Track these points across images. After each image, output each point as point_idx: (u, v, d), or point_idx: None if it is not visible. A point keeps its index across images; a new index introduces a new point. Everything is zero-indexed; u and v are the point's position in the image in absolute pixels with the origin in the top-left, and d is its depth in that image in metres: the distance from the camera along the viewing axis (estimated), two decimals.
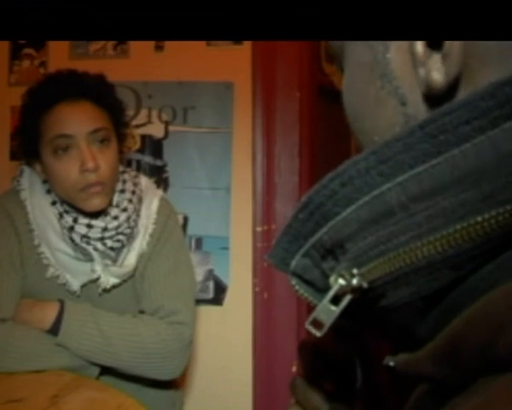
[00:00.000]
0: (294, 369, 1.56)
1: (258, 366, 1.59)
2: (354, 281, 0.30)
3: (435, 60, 0.30)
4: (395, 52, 0.32)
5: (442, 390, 0.28)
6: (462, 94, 0.30)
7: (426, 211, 0.28)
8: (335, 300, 0.31)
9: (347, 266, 0.30)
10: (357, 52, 0.35)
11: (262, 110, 1.57)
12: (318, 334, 0.32)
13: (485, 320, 0.26)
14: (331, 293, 0.31)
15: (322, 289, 0.32)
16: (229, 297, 1.60)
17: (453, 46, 0.29)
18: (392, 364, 0.31)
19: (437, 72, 0.30)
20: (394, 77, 0.33)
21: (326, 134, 1.79)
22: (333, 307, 0.31)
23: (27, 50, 1.63)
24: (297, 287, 0.34)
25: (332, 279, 0.31)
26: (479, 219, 0.26)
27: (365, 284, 0.30)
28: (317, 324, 0.32)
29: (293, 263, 0.34)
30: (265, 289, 1.58)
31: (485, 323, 0.26)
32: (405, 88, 0.32)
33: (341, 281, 0.30)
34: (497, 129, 0.26)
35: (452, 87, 0.30)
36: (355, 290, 0.30)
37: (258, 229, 1.58)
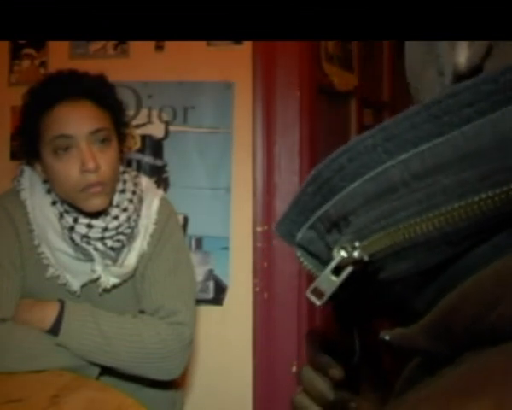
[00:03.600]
0: (294, 369, 1.56)
1: (259, 366, 1.59)
2: (355, 253, 0.31)
3: (463, 45, 0.31)
4: None
5: (434, 363, 0.29)
6: None
7: (426, 189, 0.29)
8: (337, 271, 0.32)
9: (350, 239, 0.31)
10: None
11: (262, 110, 1.57)
12: (318, 303, 0.33)
13: (477, 296, 0.27)
14: (333, 264, 0.32)
15: (326, 262, 0.33)
16: (229, 297, 1.60)
17: None
18: (387, 338, 0.31)
19: (462, 57, 0.31)
20: (438, 45, 0.34)
21: (326, 134, 1.79)
22: (334, 278, 0.32)
23: (27, 50, 1.63)
24: (302, 259, 0.35)
25: (335, 251, 0.32)
26: (476, 198, 0.27)
27: (366, 257, 0.31)
28: (317, 293, 0.33)
29: (299, 235, 0.35)
30: (265, 289, 1.58)
31: (477, 298, 0.27)
32: (444, 59, 0.33)
33: (343, 253, 0.31)
34: (497, 112, 0.27)
35: (475, 72, 0.31)
36: (356, 263, 0.31)
37: (259, 229, 1.58)
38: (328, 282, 0.32)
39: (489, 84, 0.27)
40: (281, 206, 1.58)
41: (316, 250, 0.34)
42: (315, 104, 1.64)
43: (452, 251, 0.29)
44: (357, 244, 0.31)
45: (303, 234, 0.34)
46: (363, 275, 0.32)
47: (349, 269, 0.31)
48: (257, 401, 1.59)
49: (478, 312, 0.26)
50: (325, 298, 0.32)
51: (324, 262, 0.34)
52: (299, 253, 0.35)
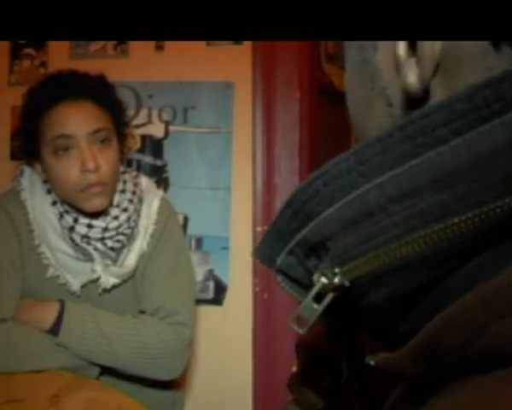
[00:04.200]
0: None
1: (259, 366, 1.59)
2: (336, 279, 0.30)
3: (411, 63, 0.31)
4: (383, 53, 0.33)
5: (421, 389, 0.29)
6: (440, 96, 0.31)
7: (404, 212, 0.28)
8: (319, 298, 0.31)
9: (329, 265, 0.31)
10: (352, 52, 0.36)
11: (262, 110, 1.57)
12: (301, 331, 0.32)
13: (461, 322, 0.26)
14: (314, 291, 0.31)
15: (307, 287, 0.33)
16: (229, 297, 1.60)
17: (425, 50, 0.30)
18: (372, 363, 0.31)
19: (412, 75, 0.30)
20: (382, 78, 0.33)
21: (326, 134, 1.79)
22: (315, 305, 0.31)
23: (27, 50, 1.63)
24: (283, 284, 0.35)
25: (315, 277, 0.31)
26: (455, 220, 0.26)
27: (347, 283, 0.30)
28: (300, 321, 0.32)
29: (279, 260, 0.34)
30: (265, 289, 1.58)
31: (461, 324, 0.26)
32: (392, 89, 0.33)
33: (324, 279, 0.31)
34: (473, 132, 0.26)
35: (428, 91, 0.31)
36: (337, 289, 0.30)
37: (259, 229, 1.58)
38: (310, 310, 0.31)
39: (463, 102, 0.27)
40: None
41: (296, 275, 0.34)
42: (315, 104, 1.64)
43: (434, 274, 0.29)
44: (337, 270, 0.30)
45: (282, 259, 0.34)
46: (345, 301, 0.31)
47: (330, 296, 0.31)
48: (257, 401, 1.59)
49: (465, 337, 0.26)
50: (307, 326, 0.32)
51: (305, 287, 0.33)
52: (279, 278, 0.34)
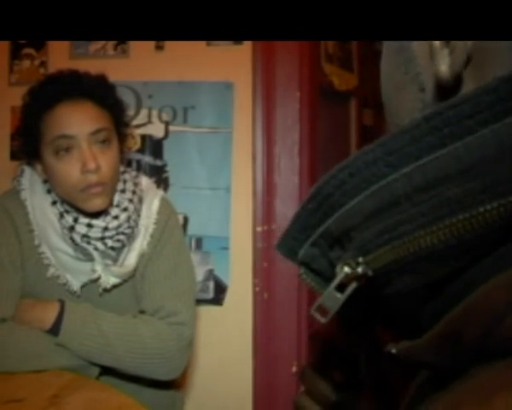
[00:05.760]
0: (294, 369, 1.56)
1: (259, 366, 1.59)
2: (359, 269, 0.30)
3: (444, 54, 0.31)
4: (419, 42, 0.34)
5: (442, 377, 0.29)
6: (470, 87, 0.31)
7: (430, 201, 0.28)
8: (341, 288, 0.31)
9: (353, 255, 0.31)
10: None
11: (262, 110, 1.57)
12: (323, 320, 0.32)
13: (485, 308, 0.26)
14: (337, 280, 0.31)
15: (329, 279, 0.33)
16: (229, 297, 1.60)
17: (458, 42, 0.30)
18: (393, 351, 0.31)
19: (444, 65, 0.31)
20: (417, 64, 0.34)
21: (326, 134, 1.79)
22: (338, 295, 0.32)
23: (27, 50, 1.63)
24: (304, 276, 0.35)
25: (338, 268, 0.31)
26: (481, 209, 0.27)
27: (370, 272, 0.30)
28: (322, 310, 0.32)
29: (302, 252, 0.34)
30: (265, 289, 1.58)
31: (485, 310, 0.26)
32: (425, 75, 0.33)
33: (347, 269, 0.31)
34: (499, 123, 0.27)
35: (459, 81, 0.31)
36: (360, 278, 0.31)
37: (258, 229, 1.58)
38: (333, 299, 0.32)
39: (490, 94, 0.27)
40: (281, 206, 1.58)
41: (319, 267, 0.34)
42: (315, 104, 1.64)
43: (457, 263, 0.29)
44: (360, 260, 0.31)
45: (305, 251, 0.34)
46: (367, 290, 0.31)
47: (353, 285, 0.31)
48: (257, 401, 1.59)
49: (486, 324, 0.26)
50: (329, 315, 0.32)
51: (327, 279, 0.33)
52: (301, 270, 0.35)
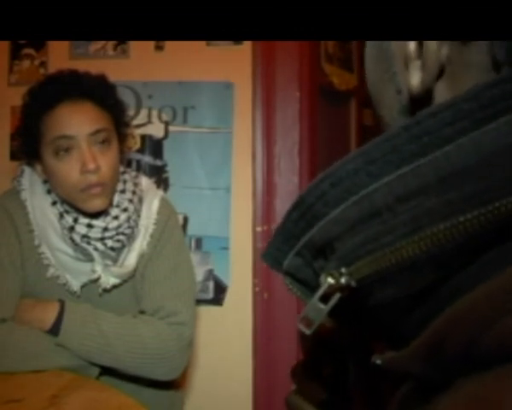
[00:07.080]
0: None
1: (259, 366, 1.59)
2: (343, 280, 0.30)
3: (416, 66, 0.31)
4: (399, 42, 0.34)
5: (427, 388, 0.29)
6: (444, 98, 0.31)
7: (411, 211, 0.28)
8: (325, 298, 0.31)
9: (336, 265, 0.31)
10: None
11: (262, 110, 1.57)
12: (308, 332, 0.32)
13: (470, 317, 0.26)
14: (320, 291, 0.31)
15: (314, 288, 0.33)
16: (229, 297, 1.60)
17: (430, 55, 0.30)
18: (378, 362, 0.31)
19: (415, 80, 0.31)
20: (395, 64, 0.34)
21: (326, 134, 1.79)
22: (322, 306, 0.31)
23: (27, 50, 1.63)
24: (290, 286, 0.35)
25: (322, 278, 0.31)
26: (461, 219, 0.27)
27: (353, 283, 0.30)
28: (306, 322, 0.32)
29: (286, 262, 0.34)
30: (265, 289, 1.58)
31: (470, 320, 0.26)
32: (401, 77, 0.33)
33: (330, 280, 0.31)
34: (478, 131, 0.27)
35: (429, 93, 0.31)
36: (344, 289, 0.31)
37: (258, 229, 1.58)
38: (317, 310, 0.31)
39: (469, 102, 0.27)
40: (281, 206, 1.58)
41: (303, 277, 0.34)
42: (315, 104, 1.64)
43: (440, 273, 0.29)
44: (343, 270, 0.30)
45: (290, 261, 0.34)
46: (351, 301, 0.31)
47: (337, 296, 0.31)
48: (257, 401, 1.59)
49: (471, 333, 0.26)
50: (314, 327, 0.32)
51: (312, 289, 0.33)
52: (287, 280, 0.35)
